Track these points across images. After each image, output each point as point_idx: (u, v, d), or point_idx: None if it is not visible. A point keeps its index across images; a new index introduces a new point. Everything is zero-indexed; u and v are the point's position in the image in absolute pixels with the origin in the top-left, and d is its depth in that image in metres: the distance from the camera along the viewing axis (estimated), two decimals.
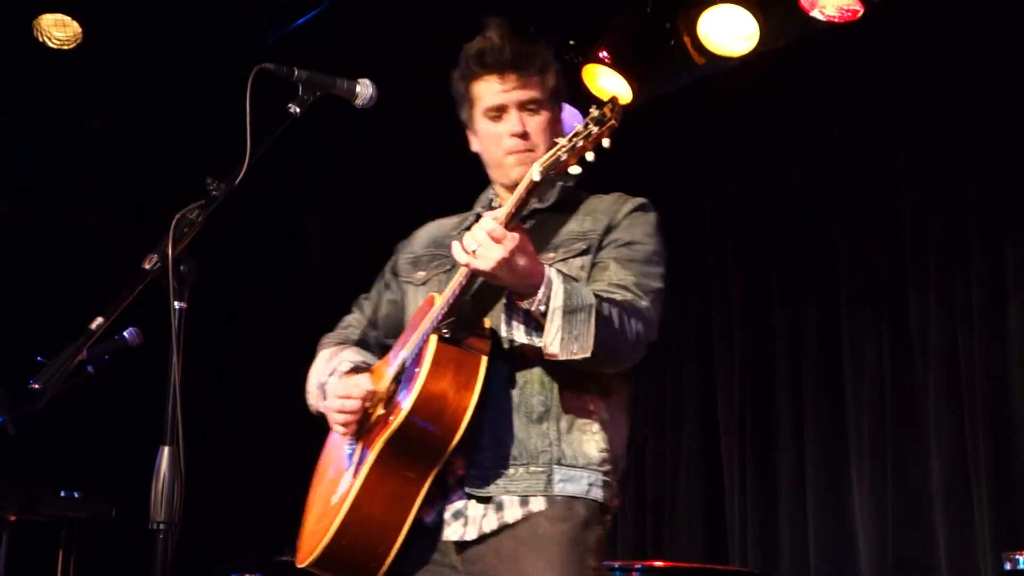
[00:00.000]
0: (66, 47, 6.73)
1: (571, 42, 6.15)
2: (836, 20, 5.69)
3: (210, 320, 5.72)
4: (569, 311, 3.00)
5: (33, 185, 7.32)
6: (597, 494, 3.20)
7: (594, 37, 6.09)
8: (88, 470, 6.43)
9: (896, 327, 5.99)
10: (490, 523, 3.18)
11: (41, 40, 6.71)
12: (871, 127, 6.28)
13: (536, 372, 3.20)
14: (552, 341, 3.02)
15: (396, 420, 3.10)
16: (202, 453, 3.49)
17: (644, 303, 3.18)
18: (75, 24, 6.71)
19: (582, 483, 3.18)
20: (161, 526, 2.76)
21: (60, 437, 6.45)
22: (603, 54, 6.09)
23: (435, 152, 7.08)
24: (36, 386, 2.91)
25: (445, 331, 3.15)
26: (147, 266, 2.90)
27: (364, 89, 3.21)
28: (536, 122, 3.33)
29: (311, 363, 3.58)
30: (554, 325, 3.01)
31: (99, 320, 2.93)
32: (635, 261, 3.23)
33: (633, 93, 6.09)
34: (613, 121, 2.97)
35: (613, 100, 3.02)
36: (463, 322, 3.17)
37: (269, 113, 3.10)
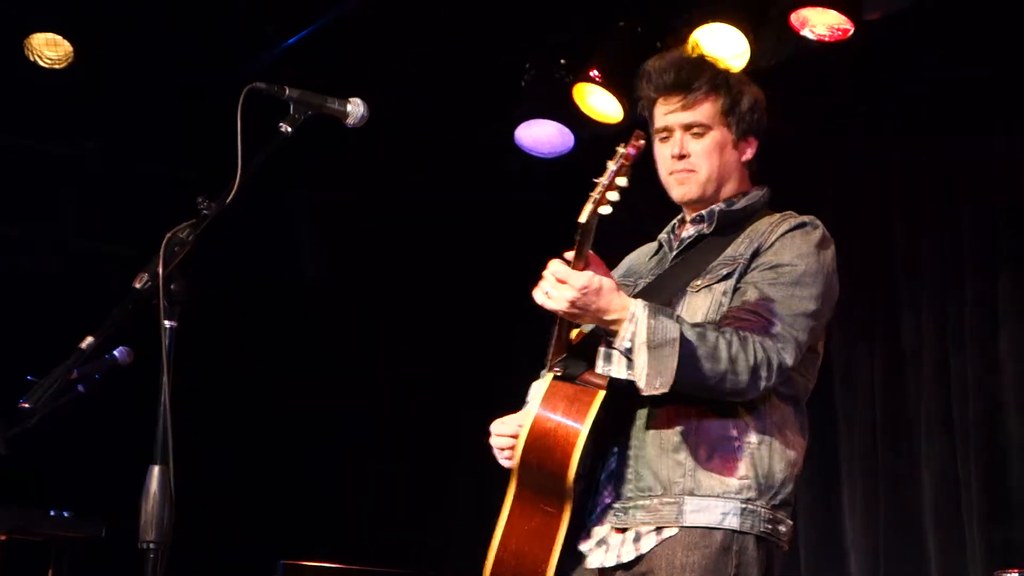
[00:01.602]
0: (57, 66, 6.73)
1: (562, 60, 6.17)
2: (827, 39, 5.70)
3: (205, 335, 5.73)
4: (654, 346, 3.02)
5: (26, 205, 7.31)
6: (733, 522, 3.17)
7: (585, 56, 6.10)
8: (79, 490, 6.42)
9: (889, 347, 5.99)
10: (628, 552, 3.21)
11: (32, 59, 6.72)
12: (864, 146, 6.28)
13: (674, 403, 3.20)
14: (640, 376, 3.04)
15: (516, 458, 3.19)
16: (198, 469, 3.50)
17: (777, 328, 3.15)
18: (66, 44, 6.71)
19: (715, 513, 3.17)
20: (151, 546, 2.76)
21: (51, 456, 6.43)
22: (594, 73, 6.10)
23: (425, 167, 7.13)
24: (26, 405, 2.91)
25: (558, 369, 3.21)
26: (137, 285, 2.90)
27: (355, 108, 3.22)
28: (701, 145, 3.37)
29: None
30: (640, 360, 3.03)
31: (89, 339, 2.93)
32: (778, 284, 3.21)
33: (623, 112, 6.10)
34: (624, 161, 3.05)
35: (629, 141, 3.08)
36: (581, 359, 3.22)
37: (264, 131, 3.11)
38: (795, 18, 5.67)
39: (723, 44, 5.79)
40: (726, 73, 3.43)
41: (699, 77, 3.36)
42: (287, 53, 6.43)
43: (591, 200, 3.04)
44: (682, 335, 3.04)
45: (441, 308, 7.63)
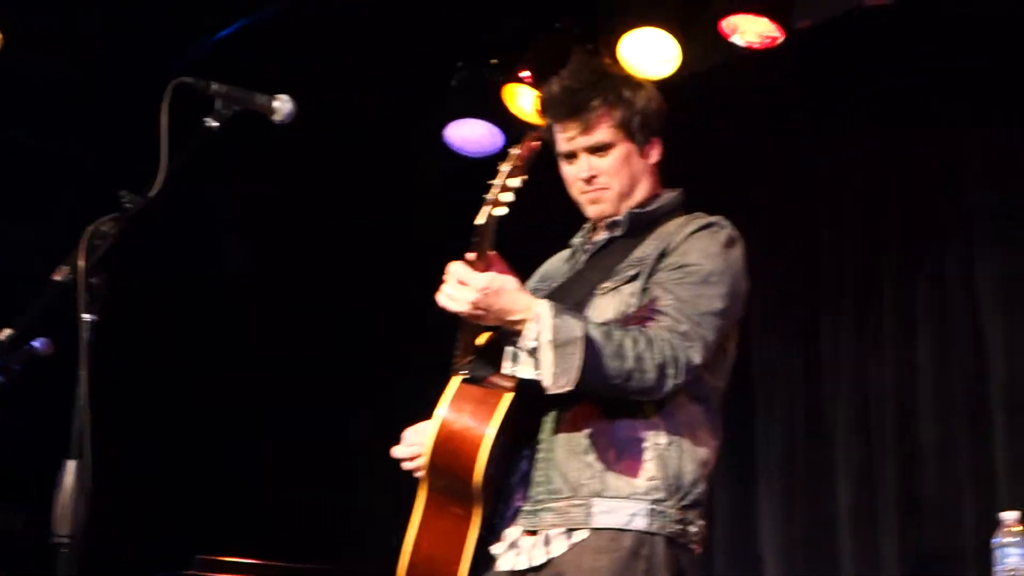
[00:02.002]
0: None
1: (492, 61, 6.17)
2: (756, 47, 5.74)
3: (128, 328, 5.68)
4: (559, 345, 3.02)
5: None
6: (642, 524, 3.18)
7: (516, 57, 6.11)
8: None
9: (808, 351, 6.05)
10: (539, 556, 3.22)
11: None
12: (794, 152, 6.33)
13: (583, 405, 3.22)
14: (546, 375, 3.04)
15: (425, 462, 3.21)
16: (119, 463, 3.48)
17: (684, 327, 3.16)
18: None
19: (622, 514, 3.17)
20: (64, 540, 2.74)
21: None
22: (524, 74, 6.11)
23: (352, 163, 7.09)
24: None
25: (465, 372, 3.22)
26: (58, 278, 2.89)
27: (282, 105, 3.21)
28: (607, 163, 3.40)
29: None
30: (546, 359, 3.03)
31: (7, 331, 2.91)
32: (685, 284, 3.23)
33: None
34: (516, 163, 3.13)
35: (522, 142, 3.12)
36: (488, 361, 3.23)
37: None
38: (725, 25, 5.70)
39: (654, 49, 5.83)
40: (618, 84, 3.45)
41: (592, 98, 3.38)
42: (215, 49, 6.38)
43: (486, 202, 3.07)
44: (587, 334, 3.05)
45: (366, 305, 7.61)
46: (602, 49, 5.85)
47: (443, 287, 3.13)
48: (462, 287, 3.10)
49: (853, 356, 5.87)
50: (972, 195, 5.70)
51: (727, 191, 6.40)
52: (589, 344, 3.04)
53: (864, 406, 5.78)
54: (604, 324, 3.15)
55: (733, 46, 5.76)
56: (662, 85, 5.77)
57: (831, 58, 5.98)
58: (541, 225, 3.51)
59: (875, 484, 5.67)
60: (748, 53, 5.78)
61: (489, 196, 3.10)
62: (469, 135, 6.48)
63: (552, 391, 3.06)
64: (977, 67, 5.67)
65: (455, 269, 3.12)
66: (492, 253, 3.16)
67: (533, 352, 3.06)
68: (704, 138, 6.43)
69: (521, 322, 3.08)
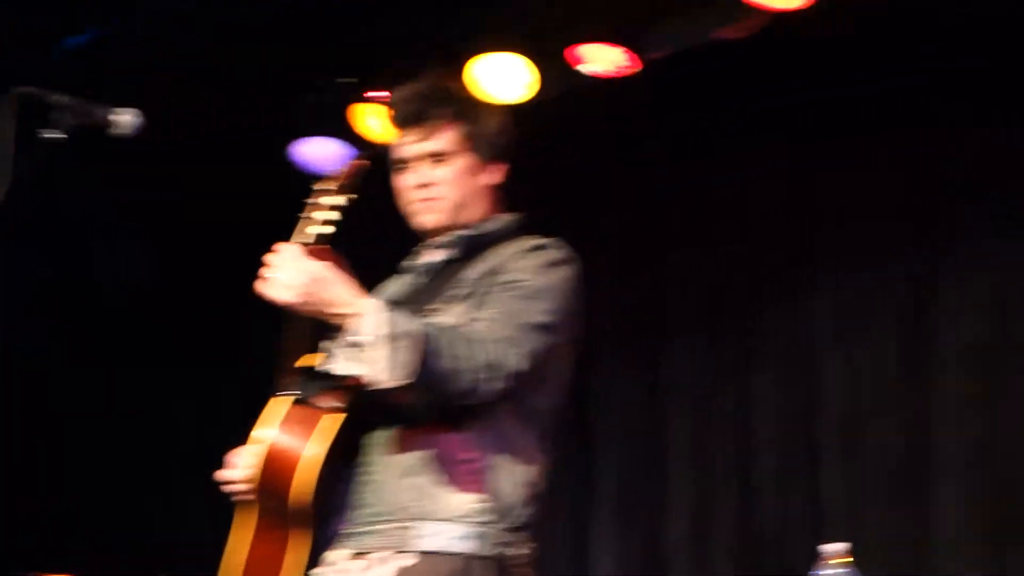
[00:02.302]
0: None
1: (340, 80, 6.12)
2: (609, 75, 5.76)
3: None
4: (393, 338, 2.95)
5: None
6: (466, 546, 3.12)
7: (367, 76, 6.07)
8: None
9: (650, 378, 6.09)
10: None
11: None
12: (641, 182, 6.37)
13: (410, 425, 3.16)
14: (381, 369, 2.95)
15: (254, 484, 3.13)
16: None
17: (507, 333, 3.12)
18: None
19: (443, 537, 3.11)
20: None
21: None
22: (374, 94, 6.07)
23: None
24: None
25: (293, 391, 3.15)
26: None
27: (122, 119, 3.12)
28: (443, 172, 3.33)
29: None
30: (380, 354, 2.94)
31: None
32: (512, 299, 3.19)
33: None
34: (342, 180, 3.08)
35: (349, 166, 3.07)
36: (316, 380, 3.15)
37: None
38: (573, 53, 5.71)
39: (508, 74, 5.82)
40: (469, 100, 3.43)
41: (439, 106, 3.34)
42: (63, 60, 6.24)
43: (302, 220, 3.03)
44: (418, 330, 3.00)
45: (204, 313, 7.51)
46: (455, 71, 5.82)
47: (266, 272, 3.01)
48: (291, 272, 3.01)
49: (694, 385, 5.92)
50: (816, 229, 5.79)
51: (576, 217, 6.43)
52: (419, 340, 2.98)
53: (703, 436, 5.83)
54: (432, 323, 3.10)
55: (586, 74, 5.76)
56: (515, 110, 5.86)
57: (682, 88, 6.02)
58: (377, 249, 3.44)
59: (711, 514, 5.72)
60: (602, 81, 5.78)
61: (304, 214, 3.03)
62: (317, 153, 6.41)
63: (388, 385, 2.98)
64: (823, 101, 5.77)
65: (287, 253, 3.01)
66: (338, 257, 3.09)
67: (360, 348, 2.99)
68: (555, 164, 6.45)
69: (348, 316, 3.01)
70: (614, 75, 5.75)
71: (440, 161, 3.35)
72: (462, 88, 3.49)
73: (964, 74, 5.51)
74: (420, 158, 3.35)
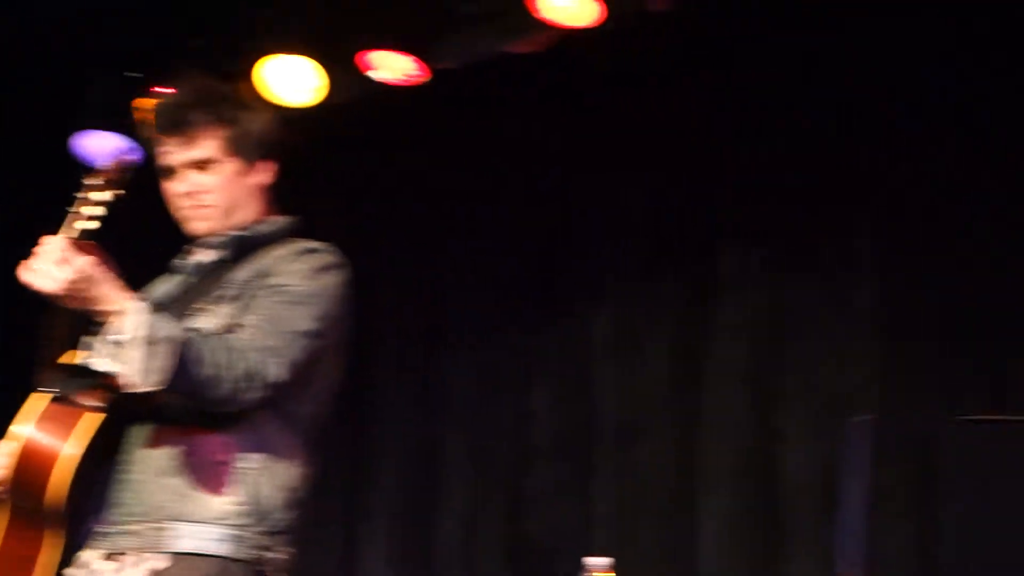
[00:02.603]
0: None
1: (126, 74, 6.02)
2: (399, 83, 5.76)
3: None
4: (151, 342, 2.90)
5: None
6: (221, 548, 3.08)
7: (152, 72, 5.98)
8: None
9: (422, 384, 6.12)
10: None
11: None
12: (425, 190, 6.38)
13: (167, 424, 3.11)
14: (135, 371, 2.91)
15: (7, 483, 3.06)
16: None
17: (270, 343, 3.10)
18: None
19: (198, 539, 3.07)
20: None
21: None
22: (160, 90, 5.97)
23: None
24: None
25: (51, 387, 3.09)
26: None
27: None
28: (209, 179, 3.30)
29: None
30: (136, 355, 2.90)
31: None
32: (277, 303, 3.16)
33: None
34: (109, 176, 3.03)
35: (116, 162, 3.03)
36: (76, 377, 3.08)
37: None
38: (365, 59, 5.71)
39: (297, 76, 5.79)
40: (226, 102, 3.38)
41: (199, 112, 3.31)
42: None
43: (69, 215, 2.99)
44: (179, 335, 2.97)
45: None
46: (242, 71, 5.77)
47: (32, 262, 2.94)
48: (53, 265, 2.94)
49: (471, 394, 5.96)
50: (588, 244, 5.88)
51: (353, 223, 6.42)
52: (180, 345, 2.96)
53: (479, 444, 5.87)
54: (192, 329, 3.07)
55: (376, 80, 5.76)
56: (304, 113, 5.83)
57: (471, 100, 6.05)
58: (149, 246, 3.40)
59: (483, 523, 5.77)
60: (392, 89, 5.78)
61: (72, 209, 2.98)
62: (99, 146, 6.30)
63: (140, 389, 2.95)
64: (607, 114, 5.86)
65: (56, 243, 2.94)
66: (106, 256, 3.04)
67: (120, 346, 2.94)
68: (340, 169, 6.43)
69: (112, 314, 2.96)
70: (404, 83, 5.76)
71: (205, 168, 3.32)
72: (224, 90, 3.43)
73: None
74: (185, 166, 3.33)
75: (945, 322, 5.08)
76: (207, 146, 3.31)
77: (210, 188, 3.32)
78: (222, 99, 3.38)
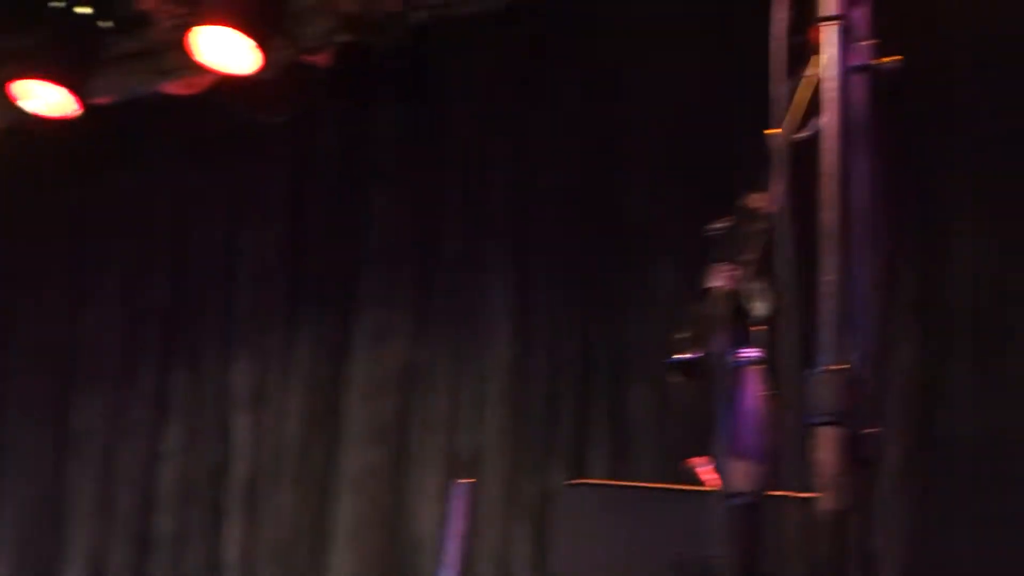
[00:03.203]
0: None
1: None
2: (50, 116, 5.64)
3: None
4: None
5: None
6: None
7: None
8: None
9: (57, 427, 6.00)
10: None
11: None
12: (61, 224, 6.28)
13: None
14: None
15: None
16: None
17: None
18: None
19: None
20: None
21: None
22: None
23: None
24: None
25: None
26: None
27: None
28: None
29: None
30: None
31: None
32: None
33: None
34: None
35: None
36: None
37: None
38: (14, 88, 5.59)
39: None
40: None
41: None
42: None
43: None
44: None
45: None
46: None
47: None
48: None
49: (103, 437, 5.87)
50: (239, 292, 5.85)
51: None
52: None
53: (107, 487, 5.78)
54: None
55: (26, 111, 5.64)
56: None
57: (128, 134, 5.98)
58: None
59: (108, 568, 5.68)
60: (44, 120, 5.67)
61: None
62: None
63: None
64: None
65: None
66: None
67: None
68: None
69: None
70: (56, 116, 5.65)
71: None
72: None
73: None
74: None
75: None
76: None
77: None
78: None
